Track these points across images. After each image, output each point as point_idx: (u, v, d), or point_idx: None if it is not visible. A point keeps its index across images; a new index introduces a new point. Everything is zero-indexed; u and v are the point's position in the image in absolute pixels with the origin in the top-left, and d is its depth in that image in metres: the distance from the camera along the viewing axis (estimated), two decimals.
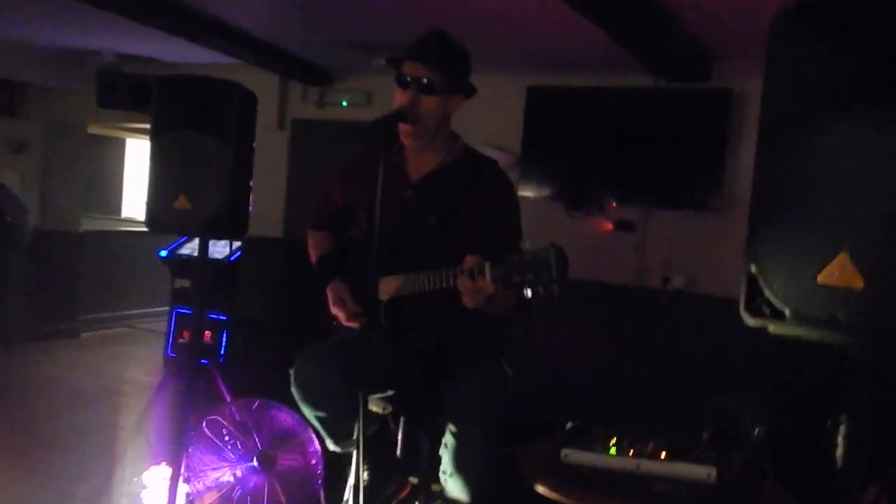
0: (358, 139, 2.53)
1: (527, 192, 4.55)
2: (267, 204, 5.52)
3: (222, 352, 5.25)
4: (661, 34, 3.54)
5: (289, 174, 5.50)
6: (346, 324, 2.30)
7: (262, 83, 5.25)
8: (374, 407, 2.28)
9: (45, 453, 3.72)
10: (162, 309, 6.00)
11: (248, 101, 2.89)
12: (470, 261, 1.86)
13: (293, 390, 2.16)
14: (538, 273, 1.70)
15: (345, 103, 5.18)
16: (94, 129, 7.32)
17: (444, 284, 1.95)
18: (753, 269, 1.44)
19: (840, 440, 1.41)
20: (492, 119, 4.62)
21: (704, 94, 4.18)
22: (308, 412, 2.19)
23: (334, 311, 2.31)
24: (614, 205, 4.41)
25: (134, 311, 7.50)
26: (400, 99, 2.14)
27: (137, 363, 5.74)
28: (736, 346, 2.94)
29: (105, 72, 5.23)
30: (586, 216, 4.47)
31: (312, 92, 5.35)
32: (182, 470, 2.82)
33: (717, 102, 4.12)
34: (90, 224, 7.34)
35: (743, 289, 1.47)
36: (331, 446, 2.26)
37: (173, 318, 5.25)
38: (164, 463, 3.03)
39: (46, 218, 6.57)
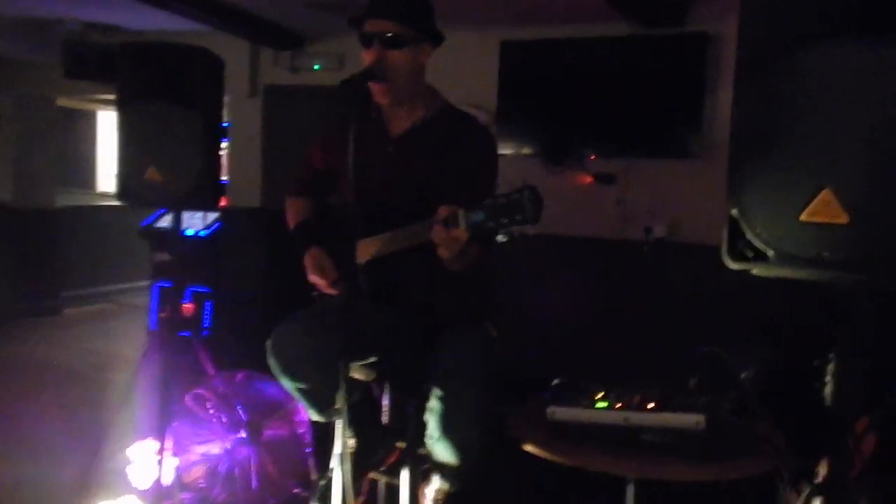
0: (332, 102, 2.46)
1: (504, 149, 4.49)
2: (244, 173, 5.45)
3: (206, 325, 5.20)
4: None
5: (264, 142, 5.41)
6: (327, 291, 2.25)
7: (232, 49, 5.13)
8: (358, 374, 2.24)
9: (32, 431, 3.69)
10: (144, 283, 5.93)
11: (214, 66, 2.79)
12: (444, 210, 1.82)
13: (270, 362, 2.12)
14: (513, 215, 1.67)
15: (317, 67, 5.07)
16: (64, 103, 7.15)
17: (421, 238, 1.91)
18: (735, 212, 1.41)
19: (829, 378, 1.40)
20: (466, 77, 4.54)
21: (680, 39, 4.12)
22: (287, 384, 2.15)
23: (313, 279, 2.26)
24: (593, 157, 4.37)
25: (116, 287, 7.42)
26: (367, 58, 2.08)
27: (122, 338, 5.68)
28: (721, 292, 2.93)
29: (71, 42, 5.07)
30: (566, 171, 4.43)
31: (284, 57, 5.23)
32: (168, 444, 2.80)
33: (694, 47, 4.06)
34: (67, 199, 7.21)
35: (725, 232, 1.44)
36: (314, 416, 2.23)
37: (155, 292, 5.19)
38: (149, 438, 3.01)
39: (22, 194, 6.45)
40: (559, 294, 4.25)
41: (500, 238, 1.70)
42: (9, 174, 6.38)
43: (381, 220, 2.08)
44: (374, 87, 2.09)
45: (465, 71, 4.58)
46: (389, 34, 2.05)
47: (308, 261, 2.28)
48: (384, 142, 2.21)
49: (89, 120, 8.69)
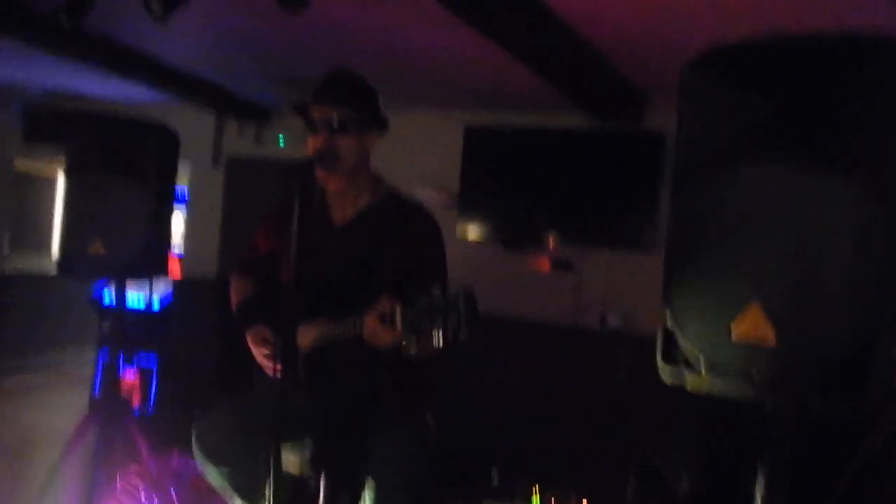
0: (291, 177, 2.45)
1: (465, 231, 4.52)
2: (201, 244, 5.38)
3: (151, 399, 5.03)
4: (592, 76, 3.57)
5: (224, 213, 5.36)
6: (267, 366, 2.17)
7: (198, 120, 5.15)
8: (291, 468, 2.16)
9: None
10: (90, 354, 5.74)
11: (169, 141, 2.79)
12: (384, 302, 1.80)
13: (194, 448, 2.03)
14: (447, 317, 1.64)
15: (281, 140, 5.10)
16: (22, 167, 7.06)
17: (355, 331, 1.88)
18: (669, 319, 1.40)
19: (758, 496, 1.37)
20: (430, 158, 4.60)
21: (638, 136, 4.23)
22: (211, 471, 2.06)
23: (257, 352, 2.19)
24: (552, 244, 4.40)
25: (61, 357, 7.17)
26: (314, 144, 2.08)
27: (61, 411, 5.45)
28: (670, 391, 2.91)
29: (31, 107, 5.06)
30: (525, 256, 4.44)
31: (249, 129, 5.25)
32: None
33: (651, 145, 4.17)
34: (19, 263, 7.02)
35: (659, 339, 1.43)
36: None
37: (100, 364, 5.03)
38: None
39: None
40: (508, 379, 4.19)
41: (436, 341, 1.66)
42: None
43: (322, 308, 2.04)
44: (321, 174, 2.08)
45: (429, 152, 4.64)
46: (335, 120, 2.06)
47: (250, 336, 2.21)
48: (327, 229, 2.19)
49: (49, 185, 8.60)
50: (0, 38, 3.58)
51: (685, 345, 1.34)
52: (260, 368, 2.29)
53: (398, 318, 1.76)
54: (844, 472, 1.74)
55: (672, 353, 1.40)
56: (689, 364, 1.34)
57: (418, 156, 4.53)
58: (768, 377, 1.22)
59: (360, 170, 2.16)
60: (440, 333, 1.66)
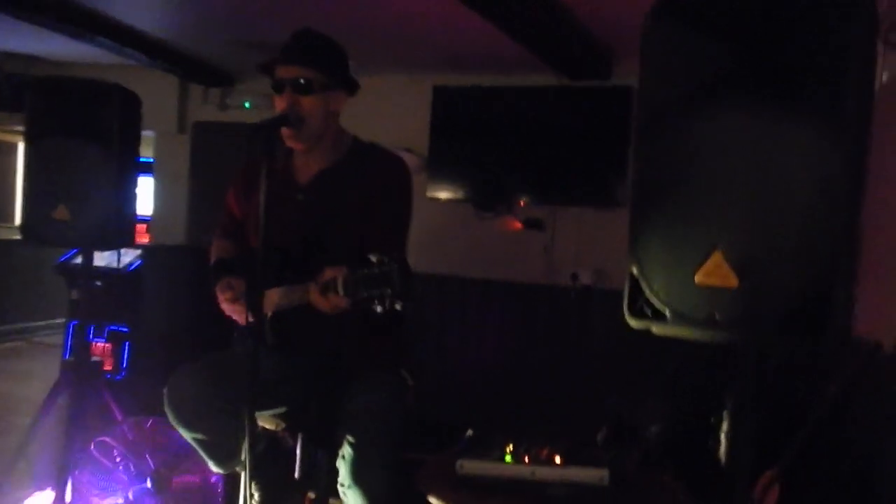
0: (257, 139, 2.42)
1: (436, 193, 4.52)
2: (169, 210, 5.31)
3: (123, 366, 5.01)
4: (560, 33, 3.55)
5: (191, 179, 5.30)
6: (232, 311, 2.15)
7: (161, 85, 5.05)
8: (267, 424, 2.17)
9: None
10: (61, 321, 5.68)
11: (130, 103, 2.73)
12: (327, 274, 1.81)
13: (167, 411, 2.04)
14: (383, 288, 1.66)
15: (248, 105, 5.02)
16: None
17: (304, 300, 1.89)
18: (634, 269, 1.43)
19: (722, 437, 1.41)
20: (398, 120, 4.56)
21: (606, 92, 4.23)
22: (185, 434, 2.07)
23: (222, 299, 2.17)
24: (523, 203, 4.42)
25: (30, 324, 7.09)
26: (280, 104, 2.07)
27: (31, 379, 5.42)
28: (637, 342, 2.97)
29: None
30: (496, 216, 4.46)
31: (213, 94, 5.17)
32: (67, 495, 2.65)
33: (619, 100, 4.18)
34: None
35: (626, 289, 1.46)
36: (214, 468, 2.15)
37: (70, 331, 4.99)
38: (48, 489, 2.85)
39: None
40: (483, 339, 4.25)
41: (377, 308, 1.67)
42: None
43: (289, 270, 2.04)
44: (286, 133, 2.07)
45: (398, 114, 4.60)
46: (301, 80, 2.05)
47: (219, 288, 2.18)
48: (292, 189, 2.18)
49: (9, 151, 8.40)
50: None
51: (651, 293, 1.37)
52: (232, 332, 2.29)
53: (339, 287, 1.77)
54: (804, 418, 1.81)
55: (639, 304, 1.43)
56: (655, 313, 1.37)
57: (387, 118, 4.49)
58: (731, 319, 1.26)
59: (327, 130, 2.15)
60: (378, 304, 1.68)
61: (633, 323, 1.42)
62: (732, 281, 1.25)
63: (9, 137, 7.92)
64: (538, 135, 4.38)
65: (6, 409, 4.75)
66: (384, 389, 2.10)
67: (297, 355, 2.13)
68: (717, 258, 1.26)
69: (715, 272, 1.27)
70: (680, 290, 1.32)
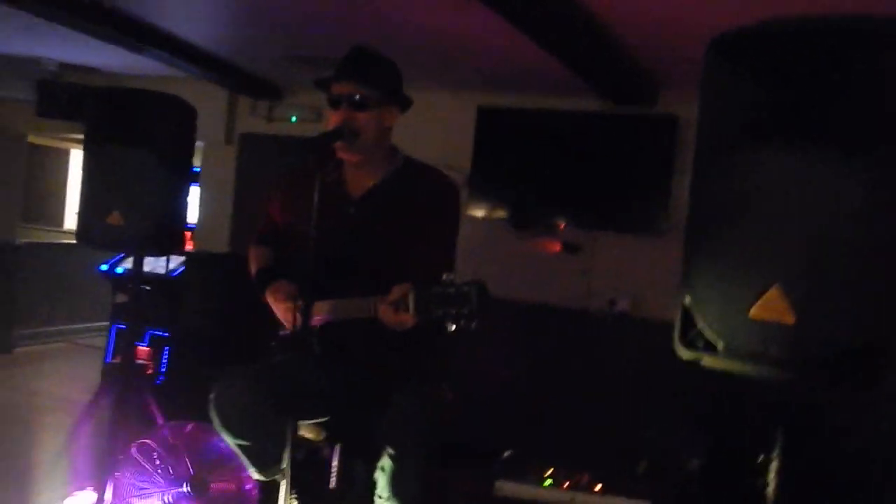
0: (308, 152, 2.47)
1: (476, 211, 4.53)
2: (213, 219, 5.41)
3: (163, 369, 5.09)
4: (607, 58, 3.56)
5: (236, 189, 5.39)
6: (289, 319, 2.18)
7: (211, 97, 5.16)
8: (307, 433, 2.20)
9: None
10: (104, 324, 5.80)
11: (185, 114, 2.81)
12: (396, 292, 1.84)
13: (212, 416, 2.07)
14: (460, 308, 1.69)
15: (294, 118, 5.11)
16: (35, 140, 7.09)
17: (370, 314, 1.92)
18: (688, 300, 1.43)
19: (771, 477, 1.39)
20: (442, 138, 4.60)
21: (651, 120, 4.22)
22: (229, 440, 2.10)
23: (277, 307, 2.20)
24: (563, 226, 4.41)
25: (74, 326, 7.24)
26: (334, 119, 2.11)
27: (74, 380, 5.53)
28: (678, 373, 2.93)
29: (45, 81, 5.07)
30: (534, 237, 4.46)
31: (261, 106, 5.26)
32: (107, 496, 2.70)
33: (664, 128, 4.16)
34: (32, 235, 7.08)
35: (678, 319, 1.45)
36: (254, 475, 2.18)
37: (113, 334, 5.09)
38: (89, 488, 2.90)
39: None
40: (518, 360, 4.23)
41: (451, 327, 1.71)
42: None
43: (337, 283, 2.07)
44: (339, 146, 2.11)
45: (442, 132, 4.64)
46: (357, 96, 2.09)
47: (270, 293, 2.22)
48: (344, 202, 2.22)
49: (62, 157, 8.64)
50: (14, 10, 3.58)
51: (704, 324, 1.37)
52: (275, 340, 2.32)
53: (410, 304, 1.80)
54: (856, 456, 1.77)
55: (690, 336, 1.42)
56: (707, 344, 1.37)
57: (430, 135, 4.53)
58: (785, 356, 1.25)
59: (379, 145, 2.19)
60: (452, 322, 1.70)
61: (684, 354, 1.41)
62: (789, 317, 1.24)
63: (63, 145, 8.16)
64: (580, 159, 4.38)
65: (50, 409, 4.85)
66: (425, 402, 2.10)
67: (341, 366, 2.15)
68: (774, 293, 1.25)
69: (772, 307, 1.26)
70: (734, 324, 1.31)
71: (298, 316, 1.99)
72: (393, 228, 2.15)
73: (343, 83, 2.12)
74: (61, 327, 7.13)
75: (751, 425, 1.84)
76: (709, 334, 1.37)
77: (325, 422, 2.20)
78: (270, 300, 2.22)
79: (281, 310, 2.19)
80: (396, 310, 1.84)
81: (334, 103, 2.13)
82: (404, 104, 2.23)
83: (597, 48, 3.41)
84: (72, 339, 7.06)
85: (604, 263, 4.38)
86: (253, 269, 2.43)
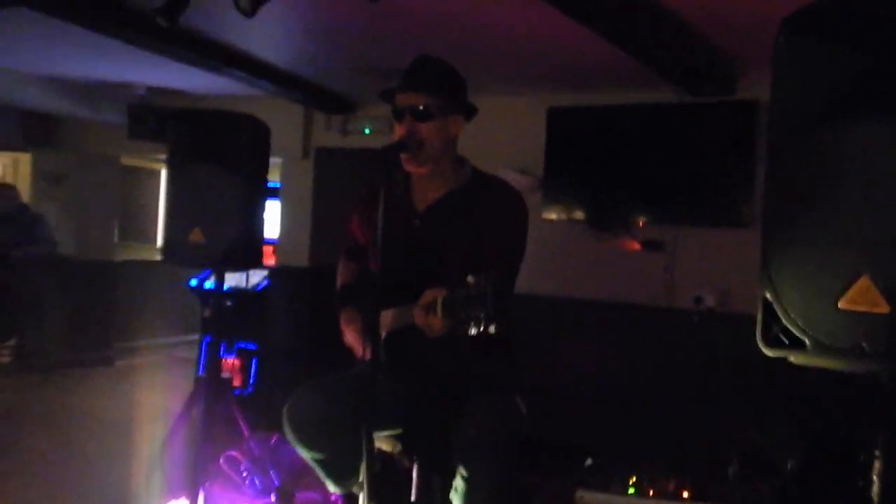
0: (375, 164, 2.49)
1: (551, 214, 4.47)
2: (294, 233, 5.54)
3: (252, 381, 5.25)
4: (679, 46, 3.44)
5: (314, 203, 5.50)
6: (354, 347, 2.22)
7: (287, 113, 5.29)
8: (383, 445, 2.19)
9: (70, 483, 3.72)
10: (195, 337, 6.02)
11: (260, 132, 2.88)
12: (428, 294, 1.81)
13: (285, 430, 2.09)
14: (477, 310, 1.63)
15: (367, 130, 5.17)
16: (127, 161, 7.45)
17: (410, 320, 1.90)
18: (769, 294, 1.35)
19: (875, 478, 1.30)
20: (513, 142, 4.57)
21: (729, 107, 4.06)
22: (304, 453, 2.11)
23: (345, 333, 2.24)
24: (641, 224, 4.30)
25: (169, 340, 7.55)
26: (399, 130, 2.11)
27: (171, 392, 5.73)
28: (769, 370, 2.79)
29: (135, 105, 5.32)
30: (612, 237, 4.36)
31: (336, 120, 5.35)
32: None
33: (744, 115, 3.99)
34: (126, 253, 7.44)
35: (759, 316, 1.37)
36: (331, 488, 2.18)
37: (203, 347, 5.27)
38: (182, 498, 3.00)
39: (82, 248, 6.68)
40: (600, 362, 4.14)
41: (471, 331, 1.64)
42: (71, 228, 6.63)
43: (405, 293, 2.06)
44: (405, 159, 2.10)
45: (512, 135, 4.61)
46: (420, 107, 2.08)
47: (342, 321, 2.27)
48: (411, 214, 2.21)
49: (153, 178, 9.04)
50: (105, 39, 3.77)
51: (788, 320, 1.29)
52: (350, 352, 2.34)
53: (438, 307, 1.77)
54: None
55: (774, 331, 1.34)
56: (793, 341, 1.29)
57: (501, 139, 4.51)
58: (880, 349, 1.16)
59: (445, 155, 2.17)
60: (473, 326, 1.65)
61: (768, 351, 1.34)
62: (882, 307, 1.15)
63: (154, 165, 8.55)
64: (657, 153, 4.26)
65: (148, 420, 5.05)
66: (497, 418, 2.04)
67: (411, 376, 2.14)
68: (864, 282, 1.17)
69: (862, 297, 1.17)
70: (821, 317, 1.23)
71: (363, 344, 2.01)
72: (457, 240, 2.13)
73: (406, 94, 2.11)
74: (158, 341, 7.45)
75: (850, 424, 1.73)
76: (794, 330, 1.29)
77: (400, 434, 2.19)
78: (342, 325, 2.25)
79: (350, 338, 2.22)
80: (426, 314, 1.81)
81: (398, 114, 2.13)
82: (469, 113, 2.21)
83: (667, 36, 3.30)
84: (168, 352, 7.36)
85: (687, 259, 4.24)
86: (337, 284, 2.47)
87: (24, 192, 6.77)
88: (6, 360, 5.98)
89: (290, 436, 2.09)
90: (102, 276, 6.76)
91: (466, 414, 2.02)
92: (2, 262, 5.68)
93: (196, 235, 2.79)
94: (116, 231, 7.27)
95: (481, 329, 1.63)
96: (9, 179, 7.87)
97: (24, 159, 7.58)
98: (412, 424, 2.16)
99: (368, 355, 2.03)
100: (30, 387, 5.71)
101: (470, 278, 1.66)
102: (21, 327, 5.92)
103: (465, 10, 3.23)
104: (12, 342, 6.00)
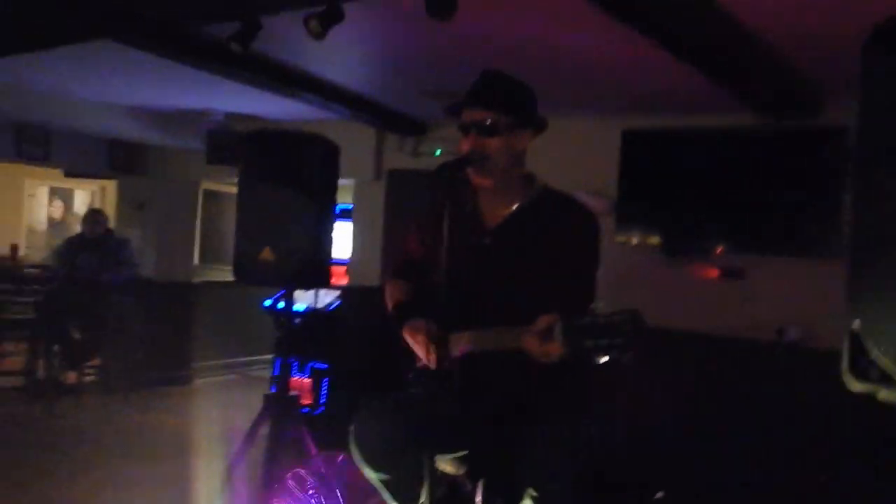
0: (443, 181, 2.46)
1: (625, 238, 4.37)
2: (366, 253, 5.59)
3: (322, 401, 5.30)
4: (763, 71, 3.33)
5: (385, 224, 5.55)
6: (425, 357, 2.17)
7: (360, 136, 5.38)
8: (447, 467, 2.15)
9: (148, 497, 3.81)
10: (269, 356, 6.13)
11: (328, 152, 2.92)
12: (542, 321, 1.77)
13: (351, 450, 2.08)
14: (612, 339, 1.58)
15: (438, 152, 5.20)
16: (207, 185, 7.72)
17: (514, 344, 1.85)
18: (857, 325, 1.25)
19: None
20: (586, 163, 4.50)
21: (815, 132, 3.89)
22: (370, 474, 2.09)
23: (413, 344, 2.19)
24: (720, 251, 4.15)
25: (245, 359, 7.72)
26: (465, 146, 2.09)
27: (245, 410, 5.83)
28: (858, 409, 2.61)
29: (214, 131, 5.51)
30: (689, 264, 4.22)
31: (408, 142, 5.41)
32: None
33: (830, 140, 3.82)
34: (206, 275, 7.66)
35: (846, 347, 1.28)
36: None
37: (276, 365, 5.36)
38: None
39: (163, 270, 6.92)
40: (674, 393, 3.98)
41: (601, 359, 1.61)
42: (153, 251, 6.90)
43: (474, 313, 2.02)
44: (472, 175, 2.08)
45: (586, 157, 4.54)
46: (485, 122, 2.05)
47: (408, 332, 2.19)
48: (479, 232, 2.17)
49: (230, 201, 9.31)
50: (184, 68, 3.92)
51: (877, 353, 1.19)
52: (414, 373, 2.30)
53: (557, 334, 1.73)
54: None
55: (862, 364, 1.25)
56: (884, 376, 1.19)
57: (574, 161, 4.45)
58: None
59: (513, 170, 2.14)
60: (602, 354, 1.61)
61: (855, 386, 1.24)
62: None
63: (231, 189, 8.83)
64: (737, 178, 4.12)
65: (222, 438, 5.14)
66: (568, 444, 1.99)
67: (480, 399, 2.10)
68: None
69: None
70: None
71: (436, 351, 1.98)
72: (530, 259, 2.08)
73: (471, 108, 2.09)
74: (234, 360, 7.63)
75: None
76: (884, 363, 1.19)
77: (465, 456, 2.15)
78: (407, 336, 2.21)
79: (418, 346, 2.17)
80: (542, 340, 1.77)
81: (464, 130, 2.11)
82: (538, 127, 2.17)
83: (749, 59, 3.19)
84: (244, 371, 7.52)
85: (769, 290, 4.06)
86: (390, 303, 2.43)
87: (110, 217, 7.10)
88: (90, 378, 6.22)
89: (355, 456, 2.08)
90: (182, 297, 6.98)
91: (538, 439, 1.97)
92: (89, 285, 5.92)
93: (266, 254, 2.84)
94: (196, 253, 7.52)
95: (616, 357, 1.61)
96: (96, 205, 8.26)
97: (111, 186, 7.95)
98: (478, 447, 2.12)
99: (434, 363, 2.00)
100: (111, 405, 5.92)
101: (596, 305, 1.65)
102: (105, 348, 6.16)
103: (539, 33, 3.21)
104: (97, 362, 6.24)
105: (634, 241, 4.35)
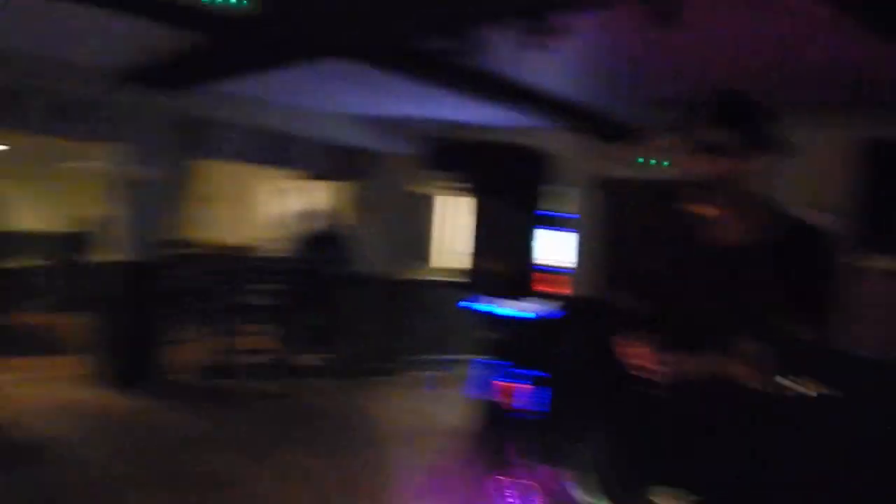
0: (668, 200, 2.38)
1: (869, 262, 3.94)
2: (586, 262, 5.54)
3: (536, 409, 5.30)
4: None
5: (603, 233, 5.48)
6: (639, 371, 2.09)
7: (576, 145, 5.35)
8: (671, 501, 2.06)
9: (344, 483, 4.02)
10: (471, 357, 6.27)
11: (540, 161, 2.93)
12: (751, 346, 1.71)
13: (574, 471, 2.07)
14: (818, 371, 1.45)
15: (653, 161, 5.04)
16: (417, 188, 8.13)
17: (723, 369, 1.74)
18: None
19: None
20: (815, 178, 4.11)
21: None
22: (587, 498, 2.07)
23: (628, 357, 2.12)
24: None
25: (448, 357, 7.94)
26: (693, 166, 1.98)
27: (446, 407, 5.98)
28: None
29: (428, 138, 5.78)
30: None
31: (625, 151, 5.30)
32: None
33: None
34: (406, 273, 8.03)
35: None
36: None
37: (477, 369, 5.46)
38: None
39: (387, 267, 7.37)
40: None
41: (804, 390, 1.48)
42: (377, 250, 7.37)
43: (693, 338, 1.92)
44: (701, 202, 1.97)
45: (815, 171, 4.15)
46: (715, 142, 1.93)
47: (623, 343, 2.13)
48: (708, 256, 2.05)
49: (428, 202, 9.66)
50: (397, 79, 4.10)
51: None
52: (642, 395, 2.22)
53: (764, 362, 1.67)
54: None
55: None
56: None
57: (803, 176, 4.08)
58: None
59: (744, 193, 2.00)
60: (813, 384, 1.48)
61: None
62: None
63: (430, 191, 9.19)
64: None
65: (425, 432, 5.31)
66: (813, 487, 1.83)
67: (705, 428, 1.99)
68: None
69: None
70: None
71: (660, 368, 1.91)
72: (763, 288, 1.94)
73: (702, 127, 1.98)
74: (438, 357, 7.88)
75: None
76: None
77: (693, 491, 2.04)
78: (621, 349, 2.15)
79: (629, 359, 2.10)
80: (749, 364, 1.69)
81: (693, 149, 2.00)
82: (776, 149, 2.00)
83: None
84: (446, 367, 7.73)
85: None
86: (612, 315, 2.38)
87: (340, 216, 7.69)
88: (320, 363, 6.81)
89: (577, 478, 2.08)
90: (387, 293, 7.38)
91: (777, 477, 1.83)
92: (324, 278, 6.49)
93: (490, 263, 2.94)
94: (430, 253, 7.94)
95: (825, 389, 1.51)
96: (330, 205, 8.96)
97: (341, 188, 8.59)
98: (710, 483, 2.00)
99: (663, 378, 1.93)
100: (336, 391, 6.38)
101: (806, 336, 1.54)
102: (337, 336, 6.78)
103: (766, 37, 2.99)
104: (330, 349, 6.86)
105: (883, 264, 3.91)
